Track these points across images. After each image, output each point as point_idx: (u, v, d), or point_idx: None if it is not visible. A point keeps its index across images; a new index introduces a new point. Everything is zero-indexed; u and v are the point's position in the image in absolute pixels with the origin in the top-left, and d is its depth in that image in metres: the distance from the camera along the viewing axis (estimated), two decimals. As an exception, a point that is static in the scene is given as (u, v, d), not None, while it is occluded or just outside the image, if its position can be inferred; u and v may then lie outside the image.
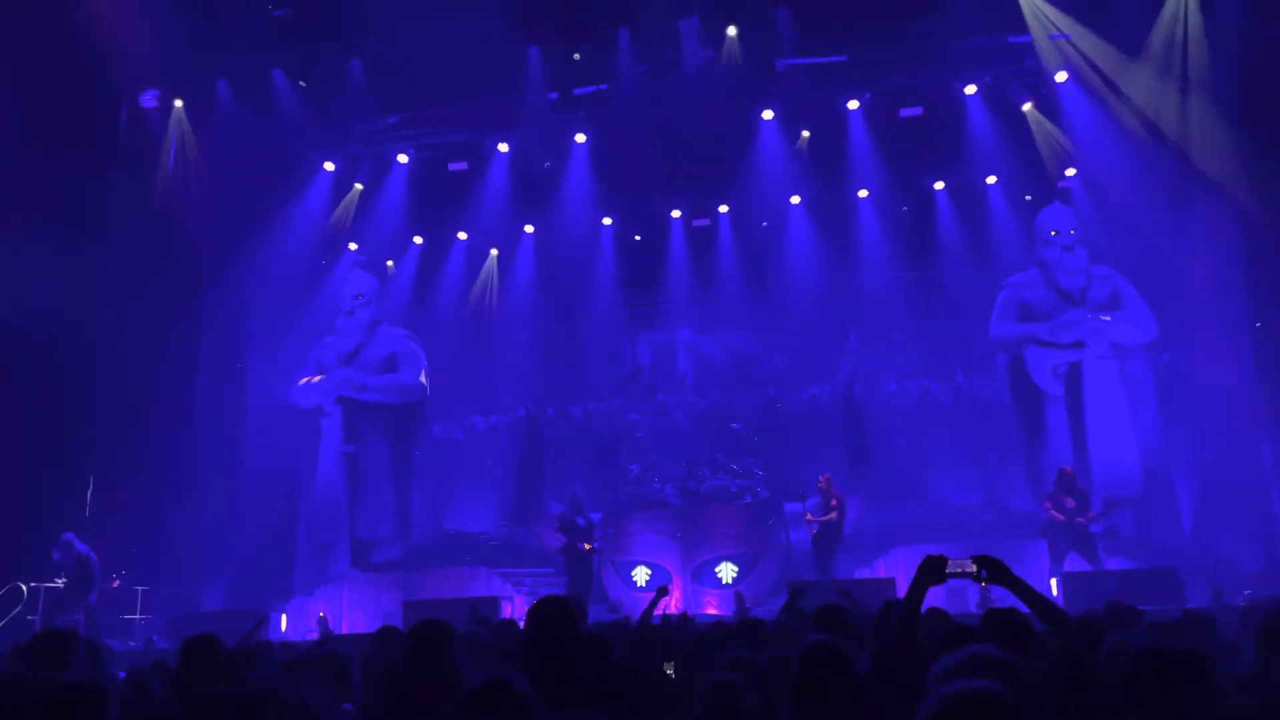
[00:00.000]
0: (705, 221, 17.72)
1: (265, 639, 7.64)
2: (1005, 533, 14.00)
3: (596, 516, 13.64)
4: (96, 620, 12.37)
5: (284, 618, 13.79)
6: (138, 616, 13.80)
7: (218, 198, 15.13)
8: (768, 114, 15.38)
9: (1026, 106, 15.00)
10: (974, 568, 3.28)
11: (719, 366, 18.36)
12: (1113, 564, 12.25)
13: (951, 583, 3.42)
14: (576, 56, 14.44)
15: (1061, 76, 14.51)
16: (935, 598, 3.90)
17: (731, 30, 14.16)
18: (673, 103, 14.74)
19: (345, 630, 13.29)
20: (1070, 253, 14.59)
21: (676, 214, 17.68)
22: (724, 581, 14.01)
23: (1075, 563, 12.04)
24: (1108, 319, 14.11)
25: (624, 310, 18.27)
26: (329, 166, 16.22)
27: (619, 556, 14.43)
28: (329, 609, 13.85)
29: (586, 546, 13.44)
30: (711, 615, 12.50)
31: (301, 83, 14.70)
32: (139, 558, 14.13)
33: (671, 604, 13.26)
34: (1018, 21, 13.80)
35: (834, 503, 13.17)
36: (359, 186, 16.78)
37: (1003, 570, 3.27)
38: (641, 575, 14.06)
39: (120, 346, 14.25)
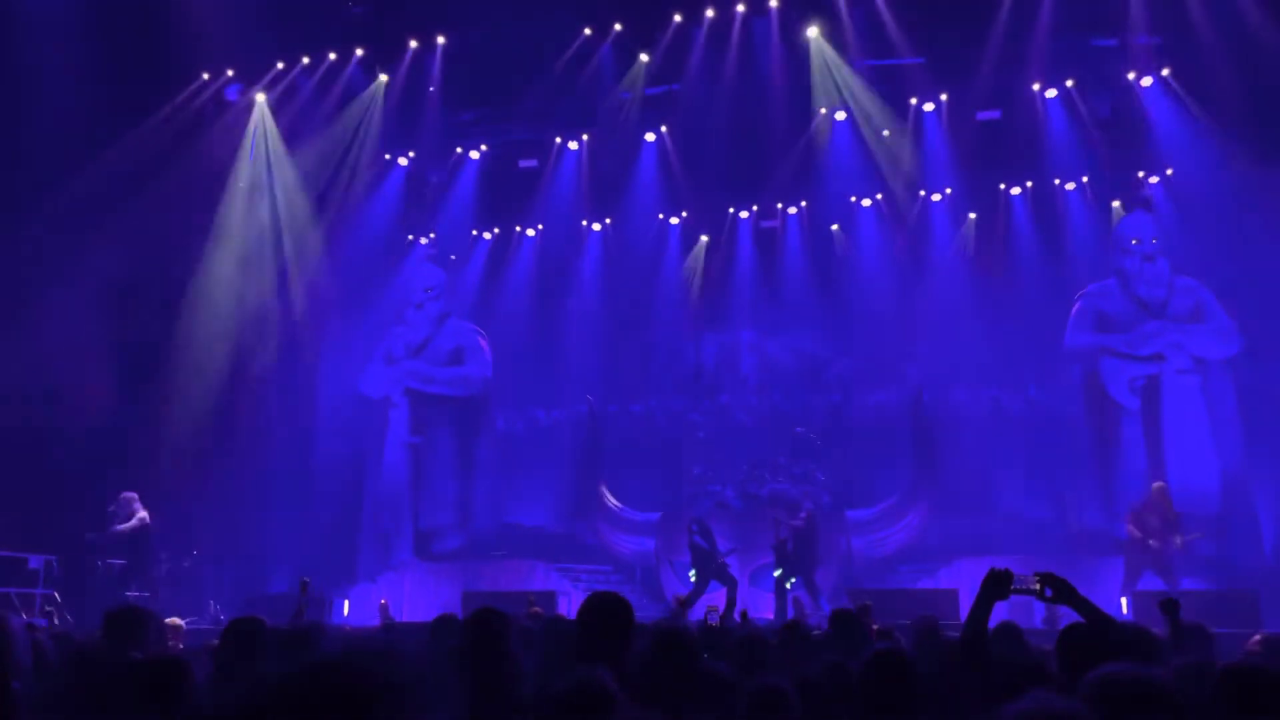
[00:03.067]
0: (774, 222, 17.58)
1: (318, 620, 7.74)
2: (1075, 548, 13.65)
3: (724, 546, 13.44)
4: (160, 596, 12.61)
5: (346, 603, 14.04)
6: (207, 597, 14.17)
7: (294, 188, 15.49)
8: (840, 115, 15.21)
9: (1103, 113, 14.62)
10: (1038, 585, 3.21)
11: (783, 369, 18.18)
12: (1188, 584, 11.86)
13: (1016, 598, 3.35)
14: (644, 58, 14.40)
15: (1146, 81, 14.11)
16: (1000, 612, 3.81)
17: (813, 31, 14.01)
18: (744, 103, 14.65)
19: (406, 618, 13.48)
20: (1151, 263, 14.17)
21: (745, 214, 17.58)
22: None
23: (1149, 582, 11.68)
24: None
25: (689, 309, 18.22)
26: (403, 161, 16.47)
27: (677, 556, 14.40)
28: (390, 597, 14.04)
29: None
30: (768, 620, 12.40)
31: (382, 75, 14.93)
32: (210, 538, 14.50)
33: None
34: (1100, 23, 13.44)
35: (803, 515, 13.09)
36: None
37: (1068, 589, 3.20)
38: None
39: (197, 331, 14.66)
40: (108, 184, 12.99)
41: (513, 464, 17.88)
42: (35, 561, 12.16)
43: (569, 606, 12.74)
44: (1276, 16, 12.55)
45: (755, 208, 17.49)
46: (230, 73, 14.94)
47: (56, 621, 10.72)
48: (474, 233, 17.88)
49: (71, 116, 12.27)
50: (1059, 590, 3.20)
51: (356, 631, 9.15)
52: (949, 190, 16.17)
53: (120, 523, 12.28)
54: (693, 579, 13.66)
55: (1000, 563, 3.51)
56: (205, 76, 14.81)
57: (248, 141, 15.49)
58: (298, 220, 15.85)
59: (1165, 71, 14.04)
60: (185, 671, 2.78)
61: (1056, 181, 15.61)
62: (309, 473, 16.51)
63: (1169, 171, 14.72)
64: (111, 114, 12.67)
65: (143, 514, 12.38)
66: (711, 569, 13.04)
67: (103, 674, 2.96)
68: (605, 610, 3.34)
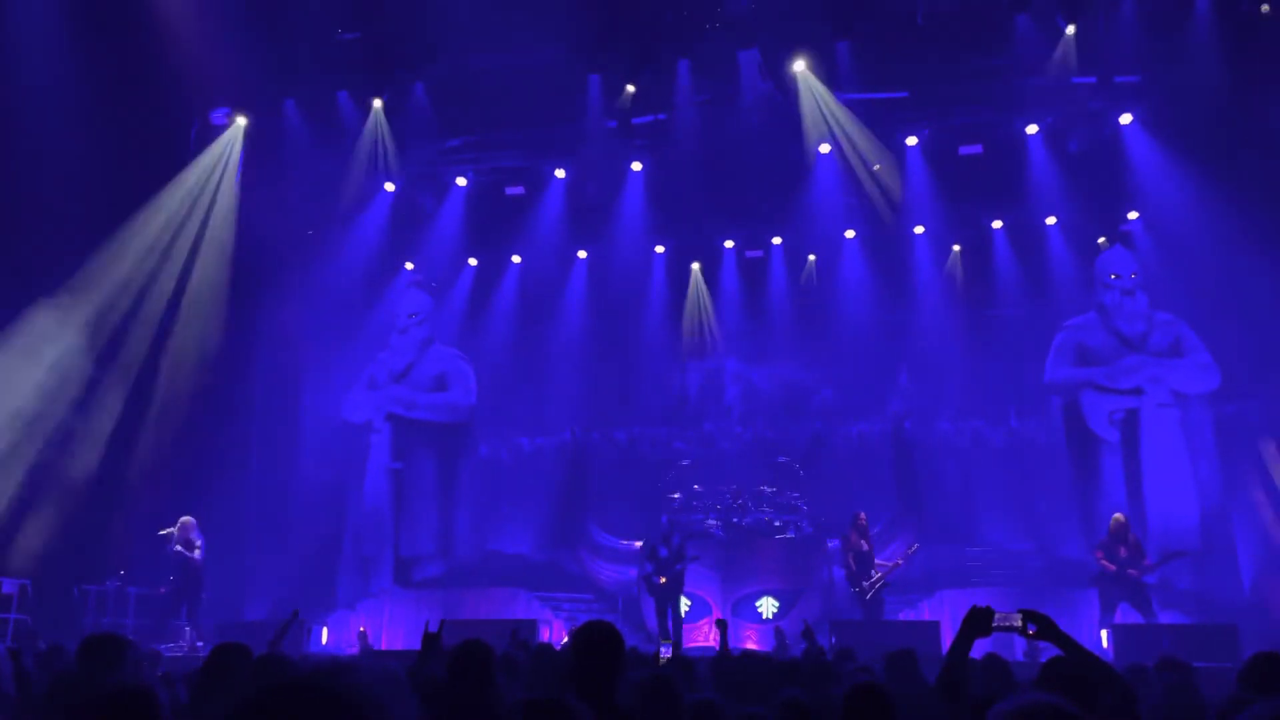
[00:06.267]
0: (758, 253, 17.70)
1: (305, 650, 7.66)
2: (1055, 580, 13.70)
3: (689, 546, 13.18)
4: (200, 625, 12.49)
5: (325, 630, 13.90)
6: (183, 624, 13.99)
7: (280, 214, 15.47)
8: (825, 147, 15.37)
9: (1075, 149, 14.81)
10: (1020, 621, 3.23)
11: (767, 398, 18.26)
12: (1167, 617, 11.91)
13: (998, 632, 3.37)
14: (630, 89, 14.49)
15: (1126, 118, 14.34)
16: (982, 645, 3.83)
17: (799, 65, 14.16)
18: (730, 134, 14.78)
19: (385, 646, 13.35)
20: (1131, 297, 14.35)
21: (730, 244, 17.68)
22: (764, 616, 13.87)
23: (1128, 615, 11.72)
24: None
25: (673, 338, 18.27)
26: (389, 187, 16.50)
27: (659, 586, 14.33)
28: (370, 624, 13.94)
29: (662, 580, 12.86)
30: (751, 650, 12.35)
31: (376, 101, 14.94)
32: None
33: (712, 636, 13.17)
34: (1080, 61, 13.66)
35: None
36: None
37: (1050, 626, 3.22)
38: (681, 606, 13.94)
39: (178, 356, 14.57)
40: (96, 209, 12.96)
41: (495, 491, 17.83)
42: (9, 586, 12.00)
43: (550, 635, 12.66)
44: (1252, 53, 12.81)
45: (740, 238, 17.60)
46: (220, 104, 14.96)
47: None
48: (460, 259, 17.88)
49: (63, 139, 12.24)
50: (1042, 626, 3.22)
51: (334, 659, 9.04)
52: (929, 225, 16.32)
53: (179, 547, 12.33)
54: (681, 612, 13.62)
55: (980, 594, 3.54)
56: (194, 106, 14.83)
57: (233, 166, 15.47)
58: (284, 245, 15.79)
59: (1144, 109, 14.28)
60: (153, 700, 2.76)
61: (1038, 216, 15.79)
62: (289, 498, 16.38)
63: (1148, 207, 14.92)
64: (100, 142, 12.60)
65: (199, 540, 12.45)
66: (653, 584, 12.92)
67: (72, 702, 2.93)
68: (599, 639, 3.35)
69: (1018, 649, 10.80)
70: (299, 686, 1.26)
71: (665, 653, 10.62)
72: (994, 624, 3.24)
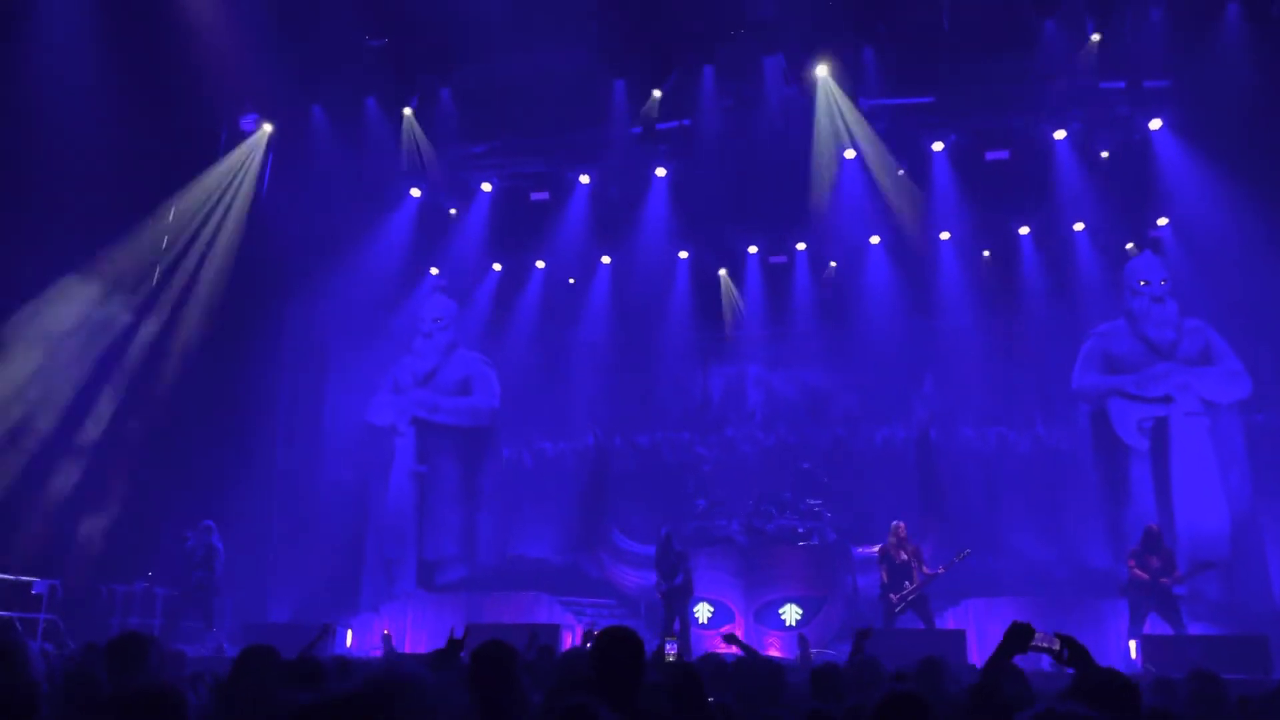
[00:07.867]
0: (782, 258, 17.65)
1: (334, 653, 7.70)
2: (1082, 590, 13.55)
3: (690, 555, 13.16)
4: (213, 616, 12.71)
5: (349, 633, 13.98)
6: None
7: (307, 219, 15.61)
8: (850, 153, 15.31)
9: (1104, 154, 14.66)
10: (1058, 645, 3.25)
11: (790, 403, 18.19)
12: (1196, 629, 11.75)
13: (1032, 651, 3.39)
14: (657, 94, 14.49)
15: (1156, 124, 14.19)
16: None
17: (822, 70, 14.12)
18: (755, 139, 14.77)
19: (409, 649, 13.41)
20: (1160, 304, 14.20)
21: (753, 249, 17.65)
22: (788, 624, 13.80)
23: (1156, 625, 11.58)
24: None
25: (696, 343, 18.26)
26: (415, 193, 16.61)
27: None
28: (394, 627, 14.00)
29: (661, 593, 12.88)
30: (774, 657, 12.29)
31: (406, 109, 14.99)
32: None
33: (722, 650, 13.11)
34: (1109, 66, 13.54)
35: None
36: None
37: (1084, 654, 3.25)
38: (704, 612, 13.93)
39: (205, 359, 14.72)
40: (126, 212, 13.13)
41: (518, 495, 17.87)
42: (39, 586, 12.15)
43: (573, 640, 12.67)
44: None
45: (764, 243, 17.55)
46: (249, 109, 15.13)
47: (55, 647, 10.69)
48: (486, 264, 17.94)
49: (94, 142, 12.39)
50: (1075, 654, 3.24)
51: (361, 662, 9.09)
52: (955, 230, 16.19)
53: (199, 549, 12.54)
54: (703, 619, 13.58)
55: (1006, 604, 3.55)
56: (223, 111, 15.01)
57: (260, 171, 15.63)
58: (311, 249, 15.92)
59: (1174, 114, 14.14)
60: (181, 700, 2.78)
61: (1065, 222, 15.65)
62: (314, 500, 16.49)
63: (1177, 213, 14.76)
64: (131, 146, 12.76)
65: (213, 542, 12.69)
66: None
67: (100, 702, 2.96)
68: (620, 644, 3.36)
69: (1045, 659, 10.67)
70: (361, 701, 1.26)
71: (670, 649, 10.65)
72: (1032, 644, 3.26)
